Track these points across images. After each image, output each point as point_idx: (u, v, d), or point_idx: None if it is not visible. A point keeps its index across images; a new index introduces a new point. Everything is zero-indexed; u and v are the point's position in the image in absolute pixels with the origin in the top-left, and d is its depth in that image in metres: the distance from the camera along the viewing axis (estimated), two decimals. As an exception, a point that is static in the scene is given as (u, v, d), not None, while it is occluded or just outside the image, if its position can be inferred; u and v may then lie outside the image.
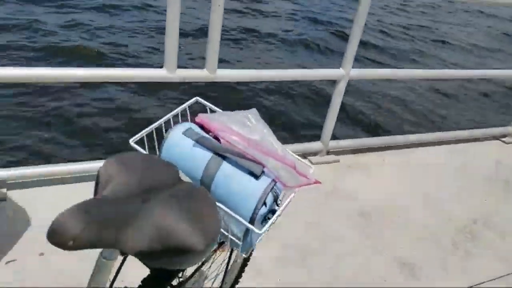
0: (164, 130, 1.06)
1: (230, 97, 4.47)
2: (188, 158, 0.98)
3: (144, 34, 5.65)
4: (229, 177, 0.95)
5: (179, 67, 2.16)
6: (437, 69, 5.51)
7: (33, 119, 3.62)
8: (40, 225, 1.93)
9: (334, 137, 2.84)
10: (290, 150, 1.05)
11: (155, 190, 0.80)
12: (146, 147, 1.02)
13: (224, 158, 0.96)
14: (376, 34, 8.00)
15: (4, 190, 2.07)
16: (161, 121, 1.09)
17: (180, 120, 1.10)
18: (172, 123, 1.09)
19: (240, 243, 0.98)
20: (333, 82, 2.66)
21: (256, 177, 0.93)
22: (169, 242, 0.73)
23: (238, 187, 0.94)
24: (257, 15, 7.66)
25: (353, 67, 2.55)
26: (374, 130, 4.64)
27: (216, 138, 1.01)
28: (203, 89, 3.92)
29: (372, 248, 2.24)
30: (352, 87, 4.73)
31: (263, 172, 0.95)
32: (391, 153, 3.10)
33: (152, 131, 1.06)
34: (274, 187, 0.95)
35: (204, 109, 1.16)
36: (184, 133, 0.99)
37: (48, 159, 3.08)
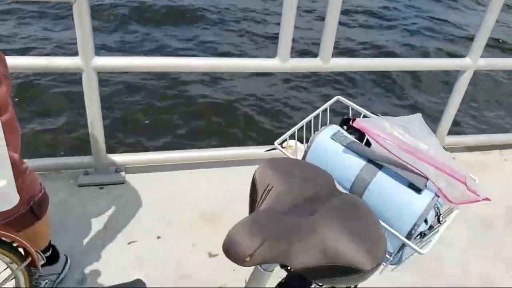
0: (305, 132, 1.01)
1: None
2: (337, 164, 0.92)
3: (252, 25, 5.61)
4: (385, 188, 0.87)
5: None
6: None
7: (151, 108, 3.78)
8: (156, 209, 2.05)
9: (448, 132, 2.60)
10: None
11: (317, 200, 0.75)
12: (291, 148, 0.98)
13: (380, 167, 0.88)
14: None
15: (123, 174, 2.20)
16: (304, 122, 1.04)
17: (320, 121, 1.04)
18: (312, 123, 1.03)
19: (390, 258, 0.90)
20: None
21: (418, 190, 0.84)
22: (336, 261, 0.68)
23: (396, 200, 0.85)
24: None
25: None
26: (490, 127, 4.21)
27: (367, 143, 0.93)
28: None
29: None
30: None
31: (425, 185, 0.85)
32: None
33: (295, 132, 1.02)
34: (437, 202, 0.85)
35: (346, 108, 1.08)
36: (333, 137, 0.93)
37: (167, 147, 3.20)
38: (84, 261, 1.77)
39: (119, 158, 2.21)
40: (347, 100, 1.09)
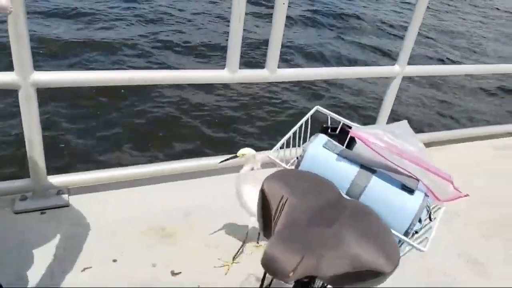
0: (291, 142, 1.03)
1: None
2: (331, 171, 0.95)
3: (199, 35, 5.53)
4: (380, 191, 0.92)
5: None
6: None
7: (92, 124, 3.56)
8: (107, 231, 1.93)
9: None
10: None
11: (331, 209, 0.78)
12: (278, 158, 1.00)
13: (373, 171, 0.93)
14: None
15: (66, 196, 2.05)
16: (290, 133, 1.06)
17: (303, 131, 1.08)
18: (297, 134, 1.06)
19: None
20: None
21: (411, 191, 0.91)
22: (360, 267, 0.71)
23: (391, 202, 0.91)
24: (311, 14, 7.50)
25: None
26: (417, 127, 4.63)
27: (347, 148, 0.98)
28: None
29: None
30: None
31: (417, 186, 0.92)
32: (435, 149, 3.07)
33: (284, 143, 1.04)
34: (427, 201, 0.93)
35: (324, 118, 1.13)
36: (324, 145, 0.97)
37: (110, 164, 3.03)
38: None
39: (60, 179, 2.05)
40: (326, 110, 1.14)
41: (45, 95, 3.52)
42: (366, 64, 5.92)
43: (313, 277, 0.74)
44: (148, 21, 5.87)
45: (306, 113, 1.11)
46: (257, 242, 1.96)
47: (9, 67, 1.71)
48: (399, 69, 2.53)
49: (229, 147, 3.43)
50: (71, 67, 4.32)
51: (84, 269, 1.76)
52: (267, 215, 0.79)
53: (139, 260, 1.84)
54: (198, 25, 5.99)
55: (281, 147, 1.03)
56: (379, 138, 0.93)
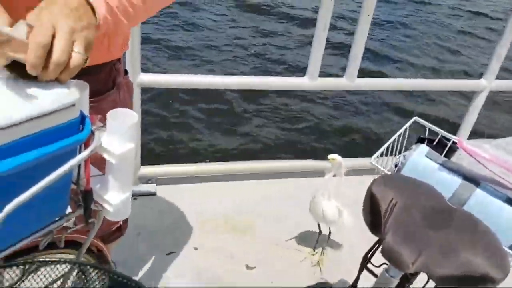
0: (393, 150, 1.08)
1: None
2: (432, 180, 0.99)
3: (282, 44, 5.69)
4: (483, 204, 0.95)
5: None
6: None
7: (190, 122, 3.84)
8: (189, 221, 2.08)
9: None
10: None
11: (439, 213, 0.82)
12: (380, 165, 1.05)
13: (477, 183, 0.96)
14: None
15: (154, 185, 2.22)
16: (390, 141, 1.11)
17: (400, 140, 1.13)
18: (396, 143, 1.11)
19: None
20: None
21: (517, 206, 0.93)
22: (471, 272, 0.75)
23: (495, 215, 0.93)
24: (399, 25, 7.44)
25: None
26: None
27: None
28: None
29: None
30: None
31: (522, 200, 0.94)
32: None
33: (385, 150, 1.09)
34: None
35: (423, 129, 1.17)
36: (427, 155, 1.01)
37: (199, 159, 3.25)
38: (125, 271, 1.77)
39: (151, 170, 2.23)
40: (424, 122, 1.18)
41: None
42: (447, 76, 5.70)
43: (417, 273, 0.80)
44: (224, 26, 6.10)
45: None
46: (314, 250, 2.02)
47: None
48: (486, 83, 2.46)
49: (301, 152, 3.54)
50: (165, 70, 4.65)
51: (170, 253, 1.92)
52: (376, 215, 0.85)
53: (217, 250, 1.96)
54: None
55: (380, 155, 1.08)
56: (486, 151, 0.96)
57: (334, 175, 1.72)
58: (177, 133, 3.64)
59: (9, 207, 0.56)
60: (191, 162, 2.36)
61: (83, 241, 0.91)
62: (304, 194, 1.94)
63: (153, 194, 2.19)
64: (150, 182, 2.23)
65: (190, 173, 2.30)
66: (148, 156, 2.41)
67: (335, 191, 1.76)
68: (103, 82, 0.98)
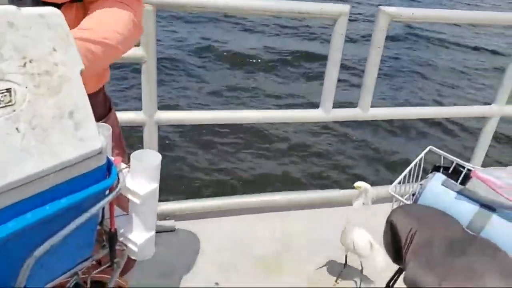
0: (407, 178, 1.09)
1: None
2: (450, 208, 1.00)
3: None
4: (500, 230, 0.95)
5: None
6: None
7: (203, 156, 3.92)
8: (210, 256, 2.07)
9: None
10: None
11: (460, 242, 0.83)
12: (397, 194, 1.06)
13: (493, 210, 0.96)
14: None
15: (173, 221, 2.23)
16: (407, 170, 1.13)
17: (416, 169, 1.14)
18: (412, 171, 1.12)
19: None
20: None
21: (534, 231, 0.92)
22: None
23: (513, 241, 0.93)
24: (406, 51, 7.58)
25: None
26: None
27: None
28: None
29: None
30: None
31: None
32: None
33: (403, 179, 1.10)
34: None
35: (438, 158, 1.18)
36: (443, 183, 1.02)
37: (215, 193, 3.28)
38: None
39: (168, 206, 2.25)
40: (439, 150, 1.19)
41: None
42: (456, 103, 5.72)
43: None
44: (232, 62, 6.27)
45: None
46: (336, 281, 1.98)
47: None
48: (497, 109, 2.47)
49: (318, 184, 3.55)
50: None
51: (193, 288, 1.91)
52: (397, 245, 0.85)
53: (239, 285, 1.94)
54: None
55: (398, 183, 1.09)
56: (501, 179, 0.97)
57: (362, 204, 1.69)
58: (193, 167, 3.70)
59: (40, 250, 0.59)
60: (211, 196, 2.37)
61: (106, 280, 0.92)
62: (327, 225, 1.93)
63: (172, 230, 2.20)
64: (168, 218, 2.24)
65: (209, 208, 2.31)
66: (164, 191, 2.44)
67: (364, 221, 1.73)
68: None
